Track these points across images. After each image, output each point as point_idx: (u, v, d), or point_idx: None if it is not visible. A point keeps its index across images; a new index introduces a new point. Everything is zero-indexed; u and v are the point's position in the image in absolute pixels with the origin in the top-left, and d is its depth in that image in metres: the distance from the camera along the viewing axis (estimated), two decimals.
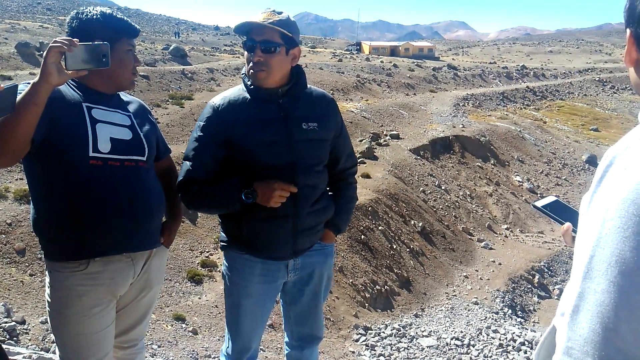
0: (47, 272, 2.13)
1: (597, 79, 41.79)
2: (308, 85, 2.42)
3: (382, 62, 38.96)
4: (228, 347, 2.53)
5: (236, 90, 2.35)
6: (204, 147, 2.24)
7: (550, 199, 1.68)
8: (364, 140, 15.82)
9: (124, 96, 2.34)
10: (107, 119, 2.13)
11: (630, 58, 1.10)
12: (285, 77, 2.29)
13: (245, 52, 2.25)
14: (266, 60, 2.18)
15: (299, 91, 2.34)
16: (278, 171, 2.23)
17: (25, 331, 4.88)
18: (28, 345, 4.63)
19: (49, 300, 2.12)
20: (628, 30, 1.09)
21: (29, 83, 1.81)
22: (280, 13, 2.21)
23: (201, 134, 2.26)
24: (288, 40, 2.20)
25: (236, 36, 2.32)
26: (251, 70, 2.23)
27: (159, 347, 5.32)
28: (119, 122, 2.17)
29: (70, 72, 1.81)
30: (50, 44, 1.76)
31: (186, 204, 2.35)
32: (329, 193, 2.57)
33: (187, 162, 2.26)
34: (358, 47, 77.30)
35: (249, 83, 2.29)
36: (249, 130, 2.22)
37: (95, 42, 1.89)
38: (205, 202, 2.26)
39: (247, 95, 2.29)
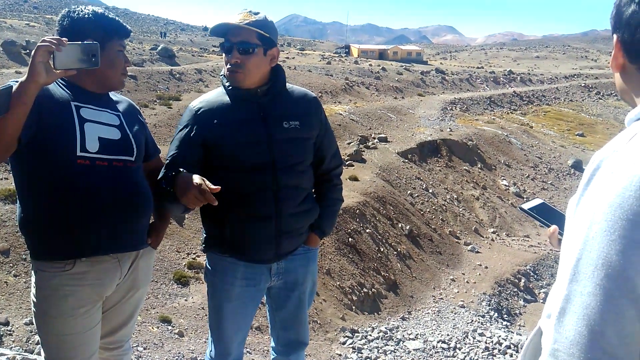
0: (32, 272, 2.11)
1: (583, 84, 42.22)
2: (290, 85, 2.40)
3: (370, 65, 39.02)
4: (211, 351, 2.51)
5: (216, 92, 2.33)
6: (178, 149, 2.24)
7: (536, 201, 1.69)
8: (352, 143, 15.82)
9: (114, 96, 2.33)
10: (96, 118, 2.11)
11: (617, 63, 1.12)
12: (264, 78, 2.27)
13: (223, 54, 2.23)
14: (243, 62, 2.17)
15: (278, 90, 2.31)
16: (258, 171, 2.21)
17: (8, 332, 4.82)
18: (12, 347, 4.58)
19: (34, 300, 2.10)
20: (615, 36, 1.11)
21: (16, 81, 1.80)
22: (257, 14, 2.20)
23: (177, 136, 2.26)
24: (265, 40, 2.18)
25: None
26: (229, 72, 2.22)
27: (144, 349, 5.28)
28: (107, 121, 2.16)
29: (58, 71, 1.80)
30: (39, 43, 1.75)
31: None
32: (314, 195, 2.55)
33: (165, 163, 2.28)
34: (347, 50, 77.42)
35: (227, 84, 2.27)
36: (227, 131, 2.20)
37: (85, 42, 1.88)
38: (162, 198, 2.12)
39: (227, 97, 2.27)
